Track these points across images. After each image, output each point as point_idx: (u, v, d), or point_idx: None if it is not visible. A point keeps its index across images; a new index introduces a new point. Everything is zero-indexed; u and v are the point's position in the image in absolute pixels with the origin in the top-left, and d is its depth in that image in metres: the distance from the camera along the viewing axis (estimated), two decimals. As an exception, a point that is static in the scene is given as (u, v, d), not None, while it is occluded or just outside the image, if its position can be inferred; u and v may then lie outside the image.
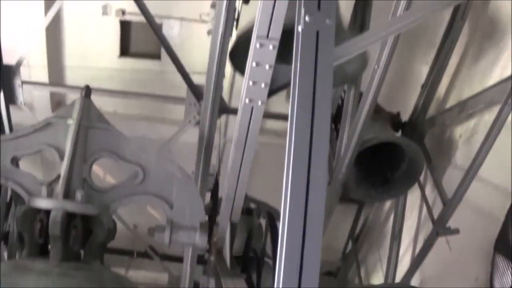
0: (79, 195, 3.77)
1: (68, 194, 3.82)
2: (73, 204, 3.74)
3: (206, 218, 4.46)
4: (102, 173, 10.64)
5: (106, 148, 4.21)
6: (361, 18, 7.68)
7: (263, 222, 7.69)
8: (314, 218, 2.27)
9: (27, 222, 3.69)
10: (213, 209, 6.61)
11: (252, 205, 8.24)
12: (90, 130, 4.19)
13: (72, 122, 4.12)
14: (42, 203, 3.73)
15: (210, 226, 4.37)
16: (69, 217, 3.68)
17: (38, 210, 3.70)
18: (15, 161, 4.10)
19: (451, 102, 8.96)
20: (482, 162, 7.02)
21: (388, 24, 3.42)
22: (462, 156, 8.38)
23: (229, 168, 4.36)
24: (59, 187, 3.82)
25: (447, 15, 8.40)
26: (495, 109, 6.94)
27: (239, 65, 6.68)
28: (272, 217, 5.82)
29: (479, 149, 6.99)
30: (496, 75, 7.73)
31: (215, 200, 6.93)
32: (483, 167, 7.09)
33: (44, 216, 3.65)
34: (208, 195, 7.28)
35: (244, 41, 6.47)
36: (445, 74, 8.65)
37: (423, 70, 10.23)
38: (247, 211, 7.97)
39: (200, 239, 4.05)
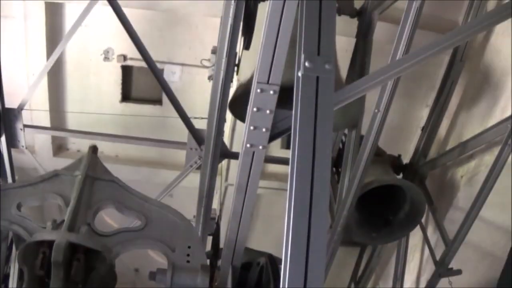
0: (83, 229, 3.80)
1: (72, 230, 3.84)
2: (77, 236, 3.75)
3: (208, 262, 4.45)
4: (105, 217, 10.63)
5: (111, 198, 4.28)
6: (360, 62, 7.74)
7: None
8: (315, 261, 2.28)
9: (29, 256, 3.67)
10: (214, 254, 6.58)
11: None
12: (96, 181, 4.32)
13: (79, 173, 4.21)
14: (46, 235, 3.73)
15: (212, 270, 4.36)
16: (72, 250, 3.67)
17: (41, 244, 3.69)
18: (19, 207, 4.13)
19: (452, 143, 8.98)
20: (483, 202, 7.01)
21: (387, 68, 3.44)
22: (463, 197, 8.37)
23: (230, 212, 4.36)
24: (64, 226, 3.84)
25: (446, 57, 8.46)
26: (496, 150, 6.95)
27: (239, 114, 6.72)
28: (274, 260, 5.79)
29: (480, 189, 6.99)
30: (496, 115, 7.75)
31: (217, 244, 6.91)
32: (485, 207, 7.08)
33: (47, 249, 3.64)
34: (209, 240, 7.25)
35: (243, 92, 6.52)
36: (445, 115, 8.68)
37: (423, 112, 10.29)
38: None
39: (201, 282, 4.04)
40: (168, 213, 4.28)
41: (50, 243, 3.65)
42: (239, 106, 6.66)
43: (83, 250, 3.74)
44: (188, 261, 4.09)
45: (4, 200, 4.08)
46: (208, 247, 7.00)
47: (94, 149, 4.59)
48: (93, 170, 4.35)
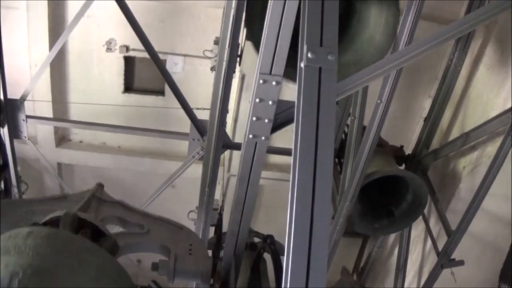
0: (92, 211, 3.84)
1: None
2: (85, 214, 3.78)
3: (210, 253, 4.46)
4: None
5: (115, 216, 4.40)
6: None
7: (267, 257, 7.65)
8: (318, 251, 2.28)
9: None
10: (217, 244, 6.59)
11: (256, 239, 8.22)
12: (102, 202, 4.44)
13: (86, 196, 4.31)
14: (56, 213, 3.74)
15: (214, 261, 4.36)
16: (79, 225, 3.68)
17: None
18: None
19: (454, 134, 8.98)
20: (485, 193, 7.00)
21: (390, 58, 3.44)
22: (465, 188, 8.37)
23: (233, 203, 4.36)
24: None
25: (449, 47, 8.46)
26: (498, 140, 6.94)
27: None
28: (276, 250, 5.79)
29: (483, 180, 6.98)
30: (499, 106, 7.75)
31: (219, 235, 6.91)
32: (487, 198, 7.08)
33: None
34: (211, 230, 7.26)
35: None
36: (447, 106, 8.67)
37: (426, 103, 10.28)
38: (251, 247, 7.95)
39: (204, 274, 4.05)
40: (169, 223, 4.39)
41: (57, 224, 3.67)
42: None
43: (90, 227, 3.76)
44: (190, 253, 4.11)
45: (13, 212, 4.11)
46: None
47: (100, 185, 4.66)
48: (100, 195, 4.48)
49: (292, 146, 2.55)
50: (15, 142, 7.41)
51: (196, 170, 7.39)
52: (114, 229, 4.40)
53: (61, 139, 11.25)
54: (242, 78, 9.95)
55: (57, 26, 9.45)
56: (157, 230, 4.27)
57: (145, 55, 7.54)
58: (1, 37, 6.59)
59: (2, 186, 7.50)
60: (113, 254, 3.93)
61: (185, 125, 7.30)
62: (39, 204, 4.27)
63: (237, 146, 6.32)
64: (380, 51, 6.25)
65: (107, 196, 4.55)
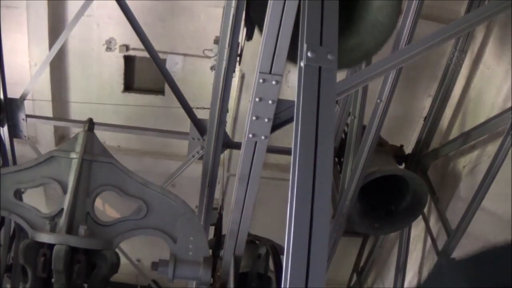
0: (82, 230, 3.75)
1: (71, 229, 3.79)
2: (76, 239, 3.71)
3: (210, 252, 4.44)
4: (105, 205, 10.65)
5: (110, 182, 4.18)
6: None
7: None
8: (318, 251, 2.28)
9: (30, 256, 3.64)
10: (216, 244, 6.59)
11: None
12: (94, 163, 4.19)
13: (75, 156, 4.13)
14: (45, 238, 3.69)
15: (214, 260, 4.35)
16: (72, 251, 3.65)
17: (42, 244, 3.67)
18: (18, 194, 4.09)
19: (454, 133, 8.98)
20: (485, 193, 7.00)
21: (390, 58, 3.44)
22: (465, 187, 8.37)
23: (232, 202, 4.35)
24: (62, 222, 3.81)
25: (449, 47, 8.45)
26: (498, 140, 6.94)
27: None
28: (276, 250, 5.79)
29: (483, 179, 6.97)
30: (499, 106, 7.74)
31: (219, 235, 6.91)
32: (487, 198, 7.07)
33: (48, 250, 3.61)
34: (211, 229, 7.26)
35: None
36: (447, 105, 8.67)
37: (426, 103, 10.27)
38: (250, 242, 7.98)
39: (203, 274, 4.03)
40: (170, 199, 4.22)
41: (50, 244, 3.64)
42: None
43: (84, 249, 3.73)
44: (190, 253, 4.08)
45: (1, 186, 4.03)
46: (210, 237, 7.01)
47: (90, 124, 4.34)
48: (89, 150, 4.20)
49: (292, 146, 2.55)
50: (15, 141, 7.40)
51: (196, 170, 7.39)
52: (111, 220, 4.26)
53: (61, 138, 11.23)
54: (242, 77, 9.95)
55: (57, 25, 9.45)
56: (157, 212, 4.16)
57: (145, 54, 7.53)
58: (1, 37, 6.58)
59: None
60: (114, 272, 3.93)
61: (185, 125, 7.29)
62: (27, 172, 4.15)
63: (237, 146, 6.32)
64: (384, 34, 6.16)
65: (98, 150, 4.29)
